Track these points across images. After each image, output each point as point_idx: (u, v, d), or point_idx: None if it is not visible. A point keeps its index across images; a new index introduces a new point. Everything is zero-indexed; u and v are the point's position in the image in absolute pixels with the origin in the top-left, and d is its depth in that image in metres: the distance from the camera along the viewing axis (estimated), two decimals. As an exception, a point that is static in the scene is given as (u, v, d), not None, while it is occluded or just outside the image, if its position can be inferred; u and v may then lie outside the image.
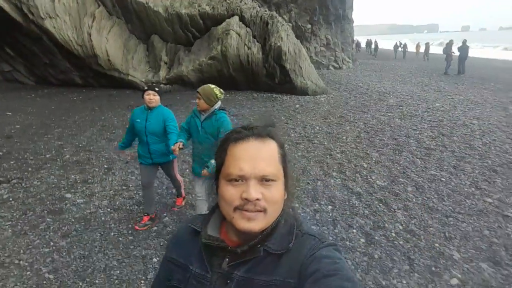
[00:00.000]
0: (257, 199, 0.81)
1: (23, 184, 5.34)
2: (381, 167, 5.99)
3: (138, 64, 12.95)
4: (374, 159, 6.39)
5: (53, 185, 5.30)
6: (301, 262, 0.82)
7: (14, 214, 4.49)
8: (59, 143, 7.22)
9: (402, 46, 33.62)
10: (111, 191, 5.11)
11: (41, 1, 11.45)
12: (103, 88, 13.58)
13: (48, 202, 4.78)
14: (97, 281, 3.26)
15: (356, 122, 8.90)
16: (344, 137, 7.67)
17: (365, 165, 6.08)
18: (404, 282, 3.20)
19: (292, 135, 7.84)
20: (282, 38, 11.93)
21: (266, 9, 13.76)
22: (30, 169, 5.92)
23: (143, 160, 4.05)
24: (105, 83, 13.42)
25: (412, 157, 6.43)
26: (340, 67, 21.82)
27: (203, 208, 3.76)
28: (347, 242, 3.83)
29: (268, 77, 12.51)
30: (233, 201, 0.83)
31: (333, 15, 21.61)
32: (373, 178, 5.55)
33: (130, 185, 5.26)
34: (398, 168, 5.95)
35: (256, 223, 0.82)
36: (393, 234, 3.99)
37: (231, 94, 12.26)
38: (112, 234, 4.05)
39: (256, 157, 0.84)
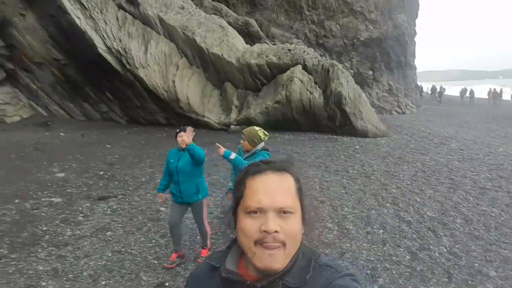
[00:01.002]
0: (276, 232, 0.82)
1: (126, 199, 6.71)
2: (433, 202, 6.44)
3: (212, 107, 14.67)
4: (428, 195, 6.84)
5: (150, 201, 6.58)
6: None
7: (123, 219, 5.78)
8: (151, 170, 8.68)
9: (469, 92, 32.68)
10: (196, 207, 6.24)
11: (136, 53, 13.85)
12: (182, 127, 15.45)
13: (147, 212, 6.04)
14: (189, 267, 4.29)
15: (414, 163, 9.31)
16: (401, 175, 8.17)
17: (418, 200, 6.57)
18: (441, 289, 3.75)
19: (351, 171, 8.52)
20: (342, 84, 12.89)
21: (328, 58, 14.98)
22: (130, 188, 7.34)
23: (175, 199, 4.31)
24: (185, 123, 15.28)
25: (466, 194, 6.77)
26: (403, 112, 21.99)
27: None
28: (394, 257, 4.44)
29: (329, 120, 13.41)
30: (252, 234, 0.84)
31: (394, 62, 22.23)
32: (425, 210, 6.05)
33: (210, 204, 6.34)
34: (450, 203, 6.36)
35: (276, 261, 0.83)
36: (437, 254, 4.51)
37: (294, 135, 13.27)
38: (198, 237, 5.05)
39: (274, 189, 0.87)
